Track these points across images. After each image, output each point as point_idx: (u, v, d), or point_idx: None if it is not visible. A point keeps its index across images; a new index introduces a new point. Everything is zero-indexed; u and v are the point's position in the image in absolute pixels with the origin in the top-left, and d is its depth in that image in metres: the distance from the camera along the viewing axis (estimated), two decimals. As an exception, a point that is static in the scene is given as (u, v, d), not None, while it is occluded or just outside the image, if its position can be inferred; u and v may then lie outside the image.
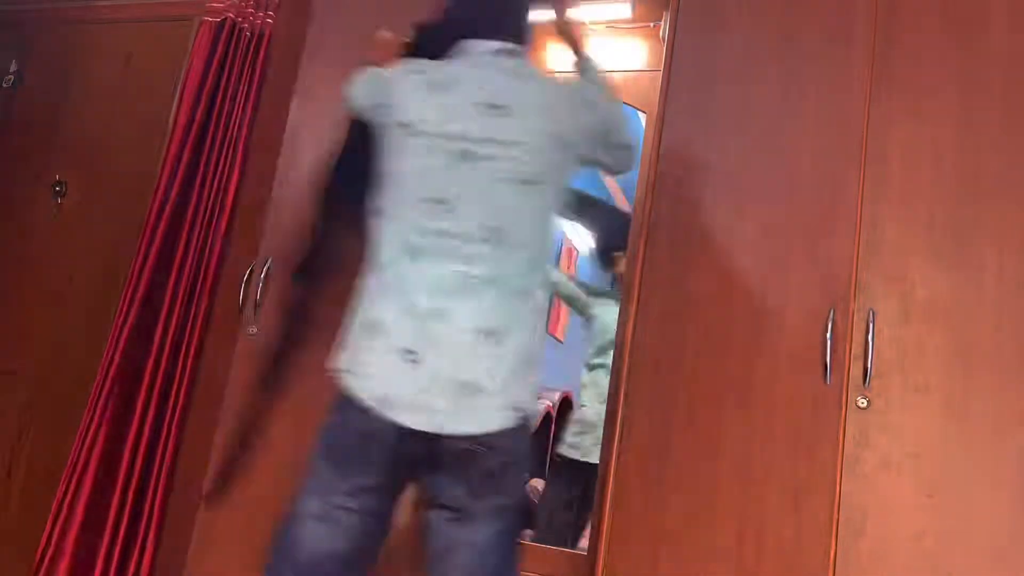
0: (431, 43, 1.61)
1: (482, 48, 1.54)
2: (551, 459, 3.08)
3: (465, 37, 1.56)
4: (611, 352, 2.75)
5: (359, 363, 1.42)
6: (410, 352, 1.38)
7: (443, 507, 1.41)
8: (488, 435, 1.38)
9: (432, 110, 1.47)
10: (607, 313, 3.01)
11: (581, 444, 2.96)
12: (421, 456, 1.39)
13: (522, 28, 1.61)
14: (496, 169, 1.43)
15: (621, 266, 2.89)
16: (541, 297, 1.50)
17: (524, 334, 1.42)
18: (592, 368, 3.05)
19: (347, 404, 1.41)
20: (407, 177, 1.46)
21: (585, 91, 1.60)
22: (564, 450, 3.02)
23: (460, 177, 1.43)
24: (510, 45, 1.55)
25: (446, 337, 1.39)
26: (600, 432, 2.83)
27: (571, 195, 1.61)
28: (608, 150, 1.61)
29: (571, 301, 3.26)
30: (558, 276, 3.23)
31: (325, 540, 1.39)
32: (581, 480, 2.91)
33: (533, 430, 1.50)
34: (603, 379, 2.92)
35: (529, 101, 1.49)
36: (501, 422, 1.39)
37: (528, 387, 1.43)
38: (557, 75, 1.61)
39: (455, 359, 1.38)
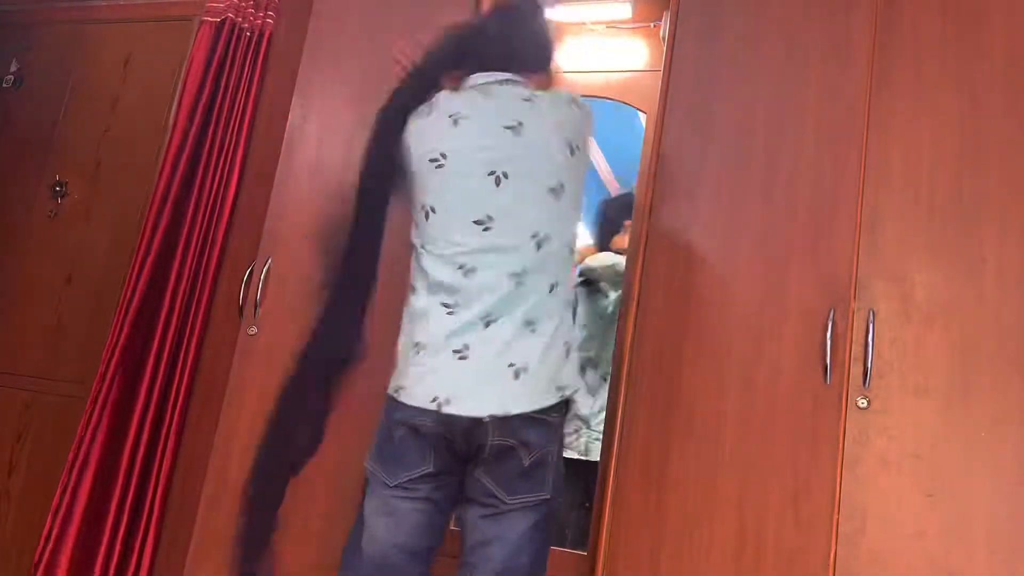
0: (436, 71, 1.71)
1: (489, 79, 1.65)
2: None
3: (473, 70, 1.66)
4: (587, 346, 2.78)
5: (410, 376, 1.53)
6: (458, 351, 1.49)
7: (479, 504, 1.50)
8: (536, 413, 1.47)
9: (459, 140, 1.58)
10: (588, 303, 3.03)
11: (575, 443, 2.96)
12: (465, 450, 1.49)
13: (525, 62, 1.71)
14: (525, 184, 1.55)
15: (619, 242, 2.90)
16: (569, 288, 1.62)
17: (555, 321, 1.53)
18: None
19: (397, 410, 1.52)
20: (449, 205, 1.57)
21: (566, 95, 1.70)
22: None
23: (497, 197, 1.54)
24: (513, 76, 1.66)
25: (492, 334, 1.50)
26: (592, 427, 2.84)
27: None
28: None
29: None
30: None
31: (390, 532, 1.51)
32: (582, 479, 2.91)
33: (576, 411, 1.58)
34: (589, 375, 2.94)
35: (539, 117, 1.60)
36: (548, 400, 1.49)
37: (568, 368, 1.54)
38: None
39: (500, 349, 1.49)
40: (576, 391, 1.55)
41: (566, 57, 2.77)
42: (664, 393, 1.92)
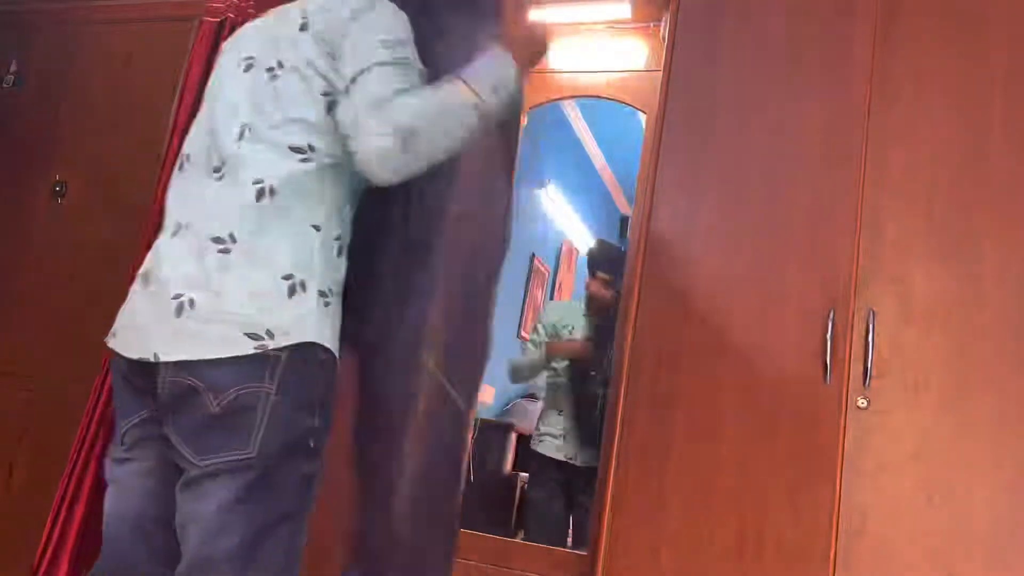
0: None
1: None
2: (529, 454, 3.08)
3: None
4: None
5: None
6: (144, 276, 1.27)
7: (178, 469, 1.20)
8: (208, 364, 1.15)
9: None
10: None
11: (543, 440, 2.98)
12: (149, 397, 1.22)
13: None
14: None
15: (594, 287, 3.04)
16: (317, 210, 1.29)
17: (278, 243, 1.22)
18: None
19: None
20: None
21: None
22: (534, 444, 3.02)
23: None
24: None
25: (177, 249, 1.25)
26: (562, 425, 2.85)
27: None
28: None
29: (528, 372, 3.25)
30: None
31: (114, 503, 1.29)
32: (553, 476, 2.92)
33: (308, 370, 1.21)
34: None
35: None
36: (229, 349, 1.16)
37: (285, 310, 1.19)
38: None
39: (180, 273, 1.21)
40: (308, 340, 1.20)
41: (566, 57, 2.78)
42: (664, 393, 1.92)
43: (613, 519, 1.88)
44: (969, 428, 1.72)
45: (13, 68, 3.23)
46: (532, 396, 3.45)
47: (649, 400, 1.93)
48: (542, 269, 3.91)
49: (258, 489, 1.15)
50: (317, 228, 1.27)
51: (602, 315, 2.96)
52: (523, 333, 3.54)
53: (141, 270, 1.31)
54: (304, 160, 1.28)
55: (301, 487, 1.21)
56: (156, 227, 2.64)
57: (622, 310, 2.35)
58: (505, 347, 3.29)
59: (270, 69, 1.34)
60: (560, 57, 2.77)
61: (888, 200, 1.89)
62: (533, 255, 3.84)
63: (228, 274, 1.20)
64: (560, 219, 4.11)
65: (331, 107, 1.30)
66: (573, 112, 3.38)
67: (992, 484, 1.68)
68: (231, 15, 2.82)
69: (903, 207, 1.87)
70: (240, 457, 1.15)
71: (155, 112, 2.92)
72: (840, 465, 1.76)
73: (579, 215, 4.16)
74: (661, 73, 2.16)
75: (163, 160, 2.74)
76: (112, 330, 1.31)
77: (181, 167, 1.39)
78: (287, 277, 1.21)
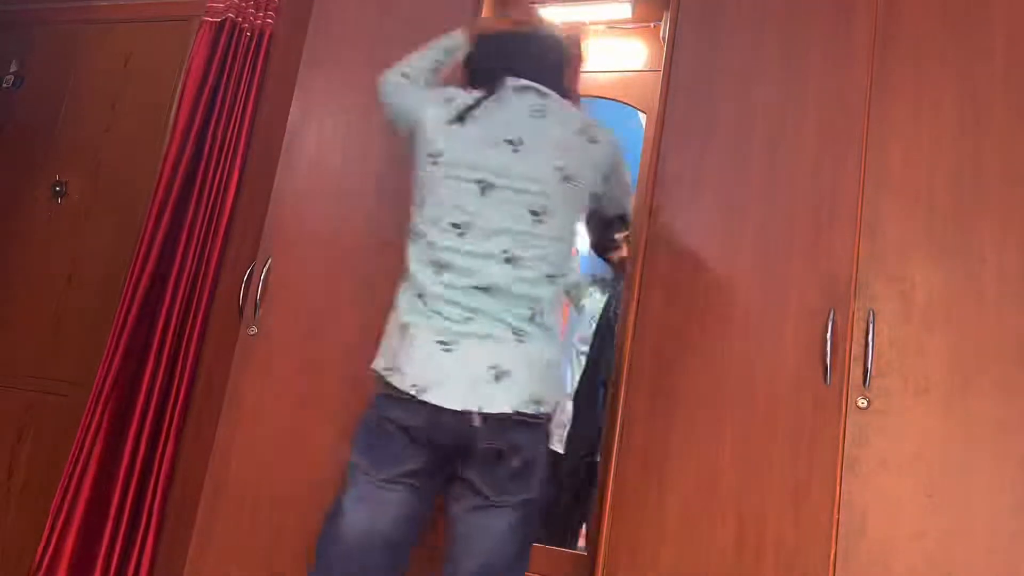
0: (481, 63, 1.76)
1: (512, 84, 1.67)
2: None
3: (503, 72, 1.68)
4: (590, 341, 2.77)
5: (398, 360, 1.54)
6: (443, 343, 1.51)
7: (466, 499, 1.53)
8: (511, 421, 1.49)
9: (457, 142, 1.62)
10: (592, 302, 3.02)
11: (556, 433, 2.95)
12: (454, 446, 1.51)
13: (558, 78, 1.74)
14: (510, 199, 1.58)
15: (623, 250, 2.86)
16: (554, 309, 1.62)
17: (540, 339, 1.56)
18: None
19: (384, 399, 1.54)
20: (436, 203, 1.60)
21: (594, 130, 1.70)
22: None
23: (480, 205, 1.57)
24: (539, 87, 1.67)
25: (477, 332, 1.52)
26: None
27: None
28: (609, 188, 1.78)
29: (569, 291, 3.21)
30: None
31: (367, 520, 1.52)
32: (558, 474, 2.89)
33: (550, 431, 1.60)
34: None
35: (541, 137, 1.62)
36: (525, 408, 1.50)
37: (549, 385, 1.55)
38: (577, 113, 1.73)
39: (485, 348, 1.51)
40: (555, 407, 1.58)
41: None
42: (664, 393, 1.92)
43: (613, 519, 1.88)
44: (969, 428, 1.72)
45: (13, 68, 3.23)
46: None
47: (649, 400, 1.93)
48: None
49: None
50: None
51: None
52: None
53: None
54: None
55: None
56: (156, 226, 2.62)
57: (622, 310, 2.35)
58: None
59: None
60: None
61: (888, 200, 1.89)
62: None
63: None
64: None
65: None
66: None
67: (992, 484, 1.68)
68: (231, 15, 2.82)
69: (903, 207, 1.87)
70: None
71: (155, 112, 2.93)
72: (840, 465, 1.76)
73: (579, 215, 4.14)
74: (661, 73, 2.16)
75: (163, 160, 2.74)
76: None
77: None
78: None
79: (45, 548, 2.46)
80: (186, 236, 2.64)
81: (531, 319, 1.55)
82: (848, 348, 1.82)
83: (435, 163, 1.62)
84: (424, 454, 1.52)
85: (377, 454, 1.54)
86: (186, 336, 2.59)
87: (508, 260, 1.55)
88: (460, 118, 1.62)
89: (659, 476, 1.87)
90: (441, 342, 1.51)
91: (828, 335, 1.82)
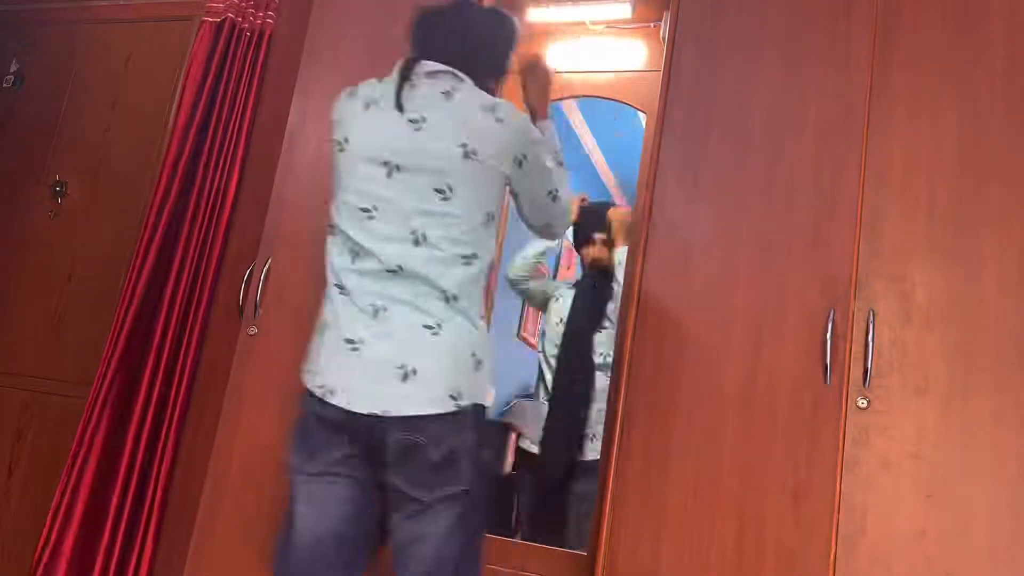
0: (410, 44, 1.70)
1: (425, 68, 1.62)
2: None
3: (421, 57, 1.63)
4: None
5: (312, 359, 1.56)
6: (351, 342, 1.50)
7: (404, 507, 1.50)
8: (424, 419, 1.46)
9: (360, 127, 1.61)
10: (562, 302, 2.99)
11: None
12: (371, 444, 1.49)
13: (478, 63, 1.66)
14: (415, 179, 1.55)
15: (596, 249, 2.83)
16: (471, 293, 1.56)
17: (460, 328, 1.52)
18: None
19: (308, 397, 1.54)
20: (346, 190, 1.59)
21: (503, 110, 1.60)
22: (526, 444, 2.97)
23: (387, 188, 1.55)
24: (454, 71, 1.61)
25: (385, 328, 1.50)
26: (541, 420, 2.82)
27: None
28: (530, 203, 1.69)
29: (530, 297, 3.19)
30: (515, 274, 3.14)
31: (314, 523, 1.51)
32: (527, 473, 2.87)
33: (481, 420, 1.53)
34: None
35: (444, 114, 1.57)
36: (437, 408, 1.46)
37: (469, 378, 1.50)
38: (488, 96, 1.63)
39: (394, 347, 1.49)
40: (480, 404, 1.52)
41: (566, 57, 2.78)
42: (664, 393, 1.92)
43: (613, 519, 1.88)
44: (969, 428, 1.72)
45: (13, 68, 3.23)
46: (531, 396, 3.44)
47: (649, 400, 1.93)
48: (542, 268, 3.91)
49: None
50: None
51: (604, 277, 2.81)
52: (523, 333, 3.54)
53: None
54: None
55: None
56: (155, 226, 2.61)
57: (622, 310, 2.35)
58: (505, 347, 3.29)
59: None
60: (560, 57, 2.77)
61: (888, 200, 1.89)
62: (533, 255, 3.83)
63: None
64: (560, 219, 4.09)
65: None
66: (573, 112, 3.38)
67: (992, 484, 1.68)
68: (231, 15, 2.82)
69: (903, 207, 1.87)
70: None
71: (155, 112, 2.93)
72: (840, 465, 1.76)
73: (579, 215, 4.15)
74: (661, 73, 2.16)
75: (163, 160, 2.74)
76: None
77: None
78: None
79: (44, 547, 2.46)
80: (186, 236, 2.64)
81: (447, 304, 1.51)
82: (848, 348, 1.82)
83: (342, 150, 1.61)
84: (346, 442, 1.50)
85: (305, 448, 1.53)
86: (186, 336, 2.59)
87: (417, 242, 1.52)
88: (366, 105, 1.61)
89: (659, 476, 1.87)
90: (348, 340, 1.50)
91: (828, 335, 1.82)
